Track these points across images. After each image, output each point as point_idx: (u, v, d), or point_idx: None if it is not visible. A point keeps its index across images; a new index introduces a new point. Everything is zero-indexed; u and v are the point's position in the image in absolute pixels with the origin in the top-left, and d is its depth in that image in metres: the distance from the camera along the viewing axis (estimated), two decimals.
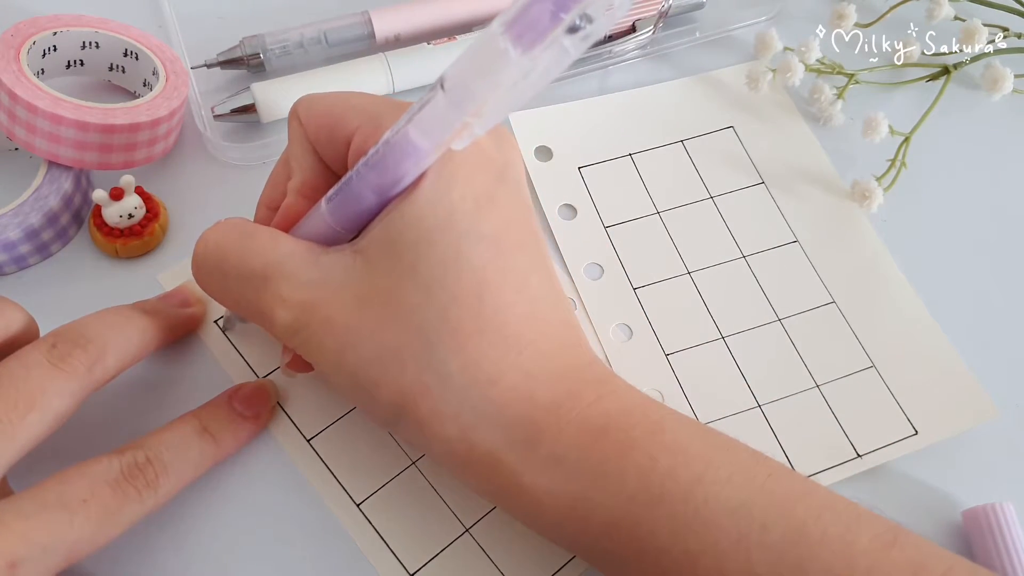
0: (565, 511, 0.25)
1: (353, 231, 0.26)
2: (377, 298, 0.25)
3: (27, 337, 0.28)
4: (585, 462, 0.25)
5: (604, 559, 0.26)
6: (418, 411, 0.25)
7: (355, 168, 0.25)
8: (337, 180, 0.26)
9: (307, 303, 0.26)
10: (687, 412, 0.33)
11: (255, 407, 0.31)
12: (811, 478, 0.32)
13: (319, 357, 0.26)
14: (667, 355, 0.34)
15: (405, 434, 0.27)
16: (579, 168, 0.38)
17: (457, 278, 0.25)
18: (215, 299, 0.29)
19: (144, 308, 0.30)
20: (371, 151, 0.24)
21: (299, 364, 0.30)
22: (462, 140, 0.23)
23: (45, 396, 0.25)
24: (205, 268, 0.28)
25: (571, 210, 0.37)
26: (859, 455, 0.32)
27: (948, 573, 0.23)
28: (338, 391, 0.31)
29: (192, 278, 0.33)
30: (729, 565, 0.23)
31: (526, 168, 0.37)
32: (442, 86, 0.21)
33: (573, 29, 0.19)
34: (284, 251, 0.26)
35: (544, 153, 0.38)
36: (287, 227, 0.28)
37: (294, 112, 0.29)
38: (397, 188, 0.25)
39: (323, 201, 0.26)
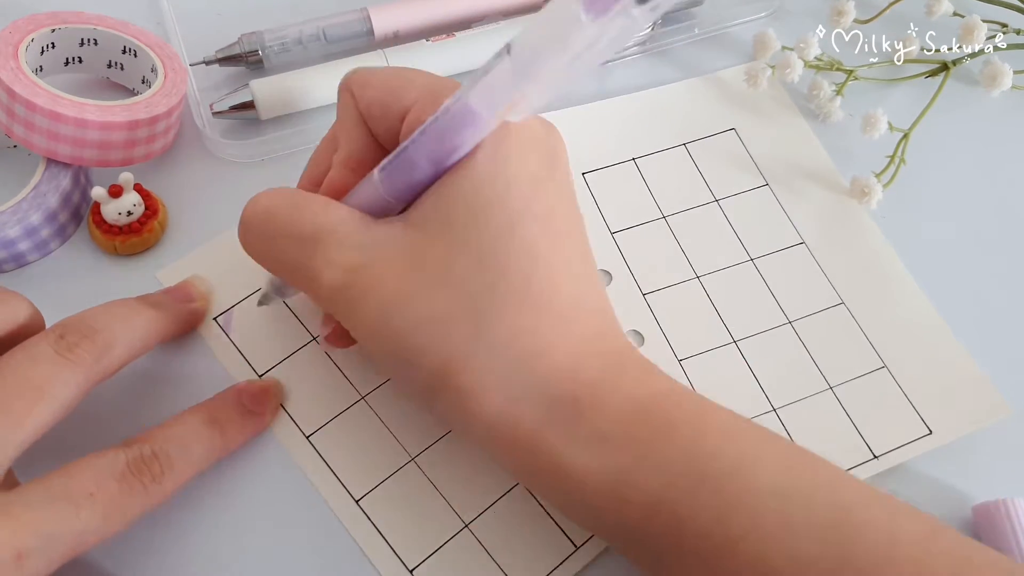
0: (606, 492, 0.25)
1: (403, 202, 0.27)
2: (428, 265, 0.25)
3: (32, 328, 0.28)
4: (628, 441, 0.25)
5: (640, 547, 0.26)
6: (461, 381, 0.25)
7: (411, 136, 0.25)
8: (385, 155, 0.26)
9: (356, 265, 0.26)
10: None
11: (261, 405, 0.31)
12: None
13: (362, 321, 0.26)
14: (680, 361, 0.34)
15: (443, 408, 0.27)
16: (583, 174, 0.38)
17: (509, 252, 0.25)
18: (258, 261, 0.29)
19: (149, 301, 0.31)
20: (429, 119, 0.24)
21: (338, 338, 0.30)
22: (520, 111, 0.23)
23: (51, 386, 0.25)
24: (253, 229, 0.28)
25: None
26: (875, 456, 0.32)
27: (992, 566, 0.23)
28: (376, 359, 0.30)
29: (194, 275, 0.34)
30: (771, 547, 0.23)
31: None
32: (508, 51, 0.21)
33: None
34: (336, 216, 0.26)
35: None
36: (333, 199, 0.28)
37: (346, 85, 0.29)
38: (453, 158, 0.25)
39: (375, 171, 0.26)
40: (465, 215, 0.25)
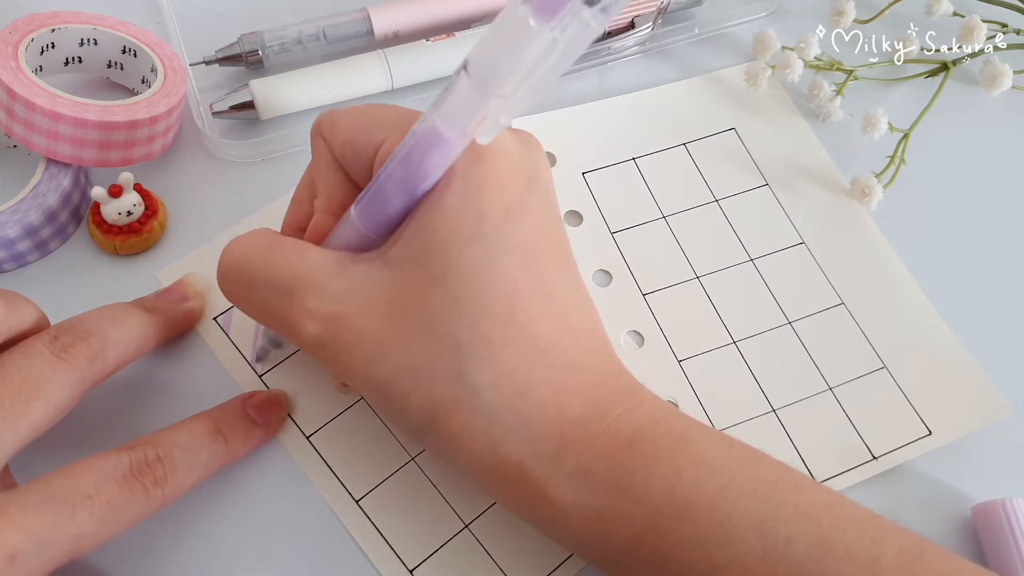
0: (591, 524, 0.25)
1: (384, 236, 0.26)
2: (406, 308, 0.25)
3: (37, 332, 0.28)
4: (611, 475, 0.25)
5: (627, 574, 0.26)
6: (447, 424, 0.25)
7: (383, 167, 0.25)
8: None
9: (335, 315, 0.25)
10: (702, 419, 0.33)
11: (267, 415, 0.31)
12: (828, 482, 0.32)
13: (348, 369, 0.26)
14: (680, 361, 0.34)
15: (434, 446, 0.27)
16: (583, 173, 0.38)
17: (487, 288, 0.25)
18: (240, 309, 0.29)
19: (144, 305, 0.31)
20: (399, 146, 0.24)
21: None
22: (487, 131, 0.23)
23: (47, 385, 0.25)
24: (230, 278, 0.28)
25: (577, 217, 0.37)
26: (874, 457, 0.32)
27: None
28: (369, 402, 0.31)
29: (191, 273, 0.34)
30: None
31: None
32: (465, 68, 0.21)
33: (591, 1, 0.19)
34: (312, 262, 0.26)
35: (548, 159, 0.38)
36: (317, 244, 0.28)
37: (316, 129, 0.28)
38: (425, 184, 0.25)
39: (352, 207, 0.26)
40: (440, 252, 0.24)
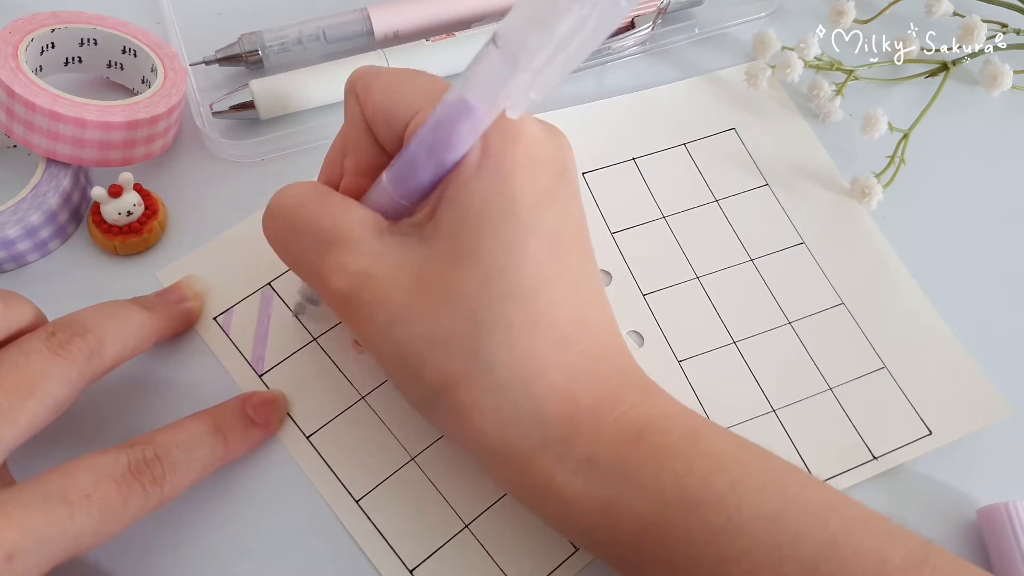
0: (596, 514, 0.25)
1: (415, 202, 0.27)
2: (434, 280, 0.25)
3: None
4: (620, 466, 0.25)
5: (632, 567, 0.26)
6: (459, 398, 0.25)
7: (414, 136, 0.25)
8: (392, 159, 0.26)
9: (366, 274, 0.26)
10: None
11: (266, 415, 0.31)
12: (829, 482, 0.32)
13: (367, 328, 0.26)
14: (680, 361, 0.34)
15: (441, 420, 0.27)
16: (583, 173, 0.38)
17: (516, 269, 0.25)
18: (277, 251, 0.29)
19: (142, 303, 0.31)
20: (429, 117, 0.24)
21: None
22: (516, 105, 0.23)
23: (45, 381, 0.25)
24: (277, 220, 0.28)
25: None
26: (875, 457, 0.32)
27: None
28: (381, 366, 0.31)
29: (189, 275, 0.34)
30: (761, 572, 0.23)
31: None
32: (495, 42, 0.21)
33: None
34: (354, 217, 0.26)
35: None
36: None
37: (351, 88, 0.28)
38: (454, 154, 0.25)
39: (384, 174, 0.26)
40: (472, 229, 0.25)
